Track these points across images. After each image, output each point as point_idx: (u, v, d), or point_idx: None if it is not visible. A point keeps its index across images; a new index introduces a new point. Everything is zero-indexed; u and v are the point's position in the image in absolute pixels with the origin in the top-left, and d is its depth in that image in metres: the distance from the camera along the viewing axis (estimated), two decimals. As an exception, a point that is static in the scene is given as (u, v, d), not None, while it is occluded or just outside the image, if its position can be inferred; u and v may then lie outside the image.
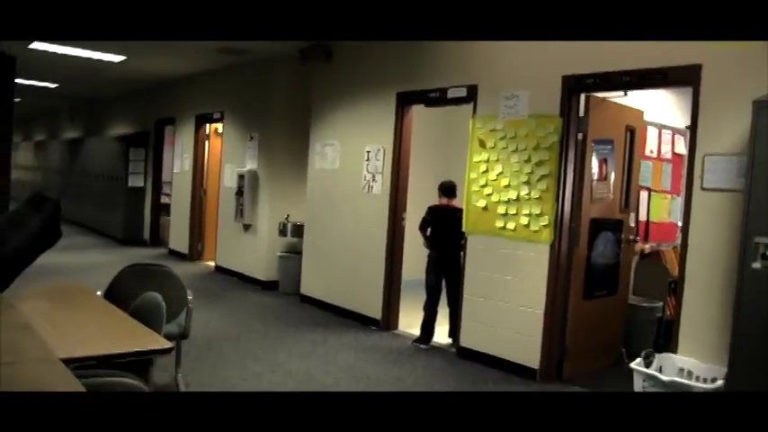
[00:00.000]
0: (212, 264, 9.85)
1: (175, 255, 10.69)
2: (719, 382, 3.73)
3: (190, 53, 8.64)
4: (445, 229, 5.92)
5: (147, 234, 12.25)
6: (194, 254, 10.39)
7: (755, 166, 3.51)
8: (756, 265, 3.48)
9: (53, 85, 12.59)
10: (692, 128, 4.28)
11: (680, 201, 6.43)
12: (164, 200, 12.23)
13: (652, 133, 6.63)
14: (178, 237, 10.87)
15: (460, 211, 5.74)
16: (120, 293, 3.98)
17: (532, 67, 5.20)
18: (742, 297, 3.57)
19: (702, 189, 4.16)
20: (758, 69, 3.87)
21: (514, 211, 5.23)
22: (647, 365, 4.12)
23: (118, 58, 9.15)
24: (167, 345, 2.88)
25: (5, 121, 5.42)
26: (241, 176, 8.77)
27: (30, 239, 0.85)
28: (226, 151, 9.59)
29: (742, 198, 3.64)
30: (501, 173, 5.34)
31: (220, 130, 10.03)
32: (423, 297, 6.06)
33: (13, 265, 0.84)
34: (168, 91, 11.41)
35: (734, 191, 3.93)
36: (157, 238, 12.04)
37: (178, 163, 11.07)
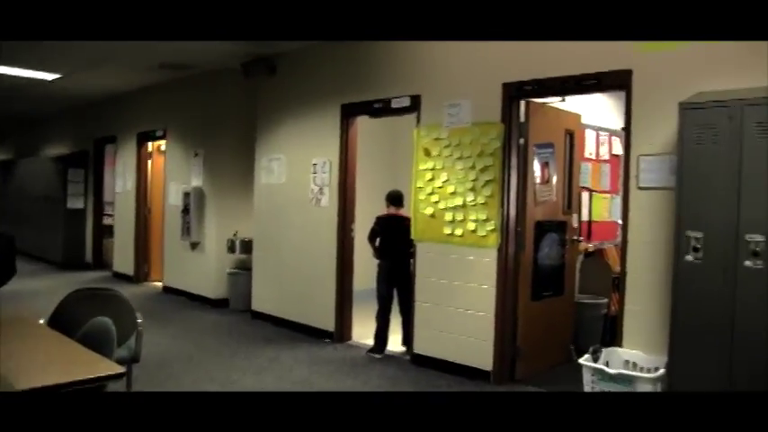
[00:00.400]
0: (159, 284, 9.68)
1: (120, 277, 10.46)
2: (661, 371, 3.89)
3: (129, 70, 8.51)
4: (394, 238, 5.98)
5: (89, 257, 11.95)
6: (140, 275, 10.19)
7: (684, 165, 3.69)
8: (689, 257, 3.65)
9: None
10: (627, 130, 4.46)
11: (619, 200, 6.64)
12: (106, 221, 11.94)
13: (590, 136, 6.85)
14: (123, 258, 10.64)
15: (408, 219, 5.81)
16: (67, 320, 3.88)
17: (474, 75, 5.33)
18: (678, 288, 3.74)
19: (638, 188, 4.33)
20: (684, 73, 4.08)
21: (461, 218, 5.33)
22: (595, 360, 4.25)
23: (50, 77, 8.92)
24: (119, 370, 2.84)
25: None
26: (186, 194, 8.66)
27: None
28: (170, 169, 9.46)
29: (674, 195, 3.81)
30: (447, 180, 5.44)
31: (163, 148, 9.88)
32: (375, 307, 6.10)
33: None
34: (108, 109, 11.19)
35: (667, 188, 4.11)
36: (101, 261, 11.75)
37: (120, 182, 10.85)
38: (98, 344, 3.23)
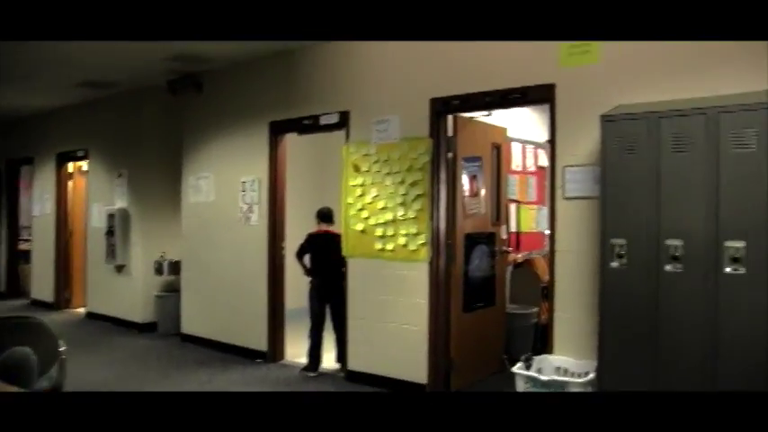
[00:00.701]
0: (82, 310, 9.31)
1: (39, 305, 9.99)
2: (591, 375, 3.99)
3: (47, 88, 8.20)
4: (325, 255, 5.94)
5: (2, 285, 11.36)
6: (61, 302, 9.77)
7: (606, 175, 3.82)
8: (614, 264, 3.78)
9: None
10: (552, 142, 4.58)
11: (545, 210, 6.82)
12: (22, 246, 11.40)
13: (516, 148, 7.02)
14: (41, 285, 10.18)
15: (339, 236, 5.78)
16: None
17: (401, 91, 5.37)
18: (605, 294, 3.85)
19: (564, 198, 4.45)
20: (605, 86, 4.23)
21: (392, 233, 5.35)
22: (528, 368, 4.33)
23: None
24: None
25: None
26: (111, 215, 8.39)
27: None
28: (92, 190, 9.14)
29: (598, 204, 3.93)
30: (377, 196, 5.45)
31: (85, 168, 9.55)
32: (308, 325, 6.03)
33: None
34: (23, 129, 10.73)
35: (592, 198, 4.24)
36: (17, 289, 11.17)
37: (38, 205, 10.41)
38: (17, 376, 3.06)
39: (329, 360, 6.07)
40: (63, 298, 9.77)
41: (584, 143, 4.33)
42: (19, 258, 11.29)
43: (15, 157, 11.13)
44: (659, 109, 3.69)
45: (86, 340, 7.47)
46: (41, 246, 10.27)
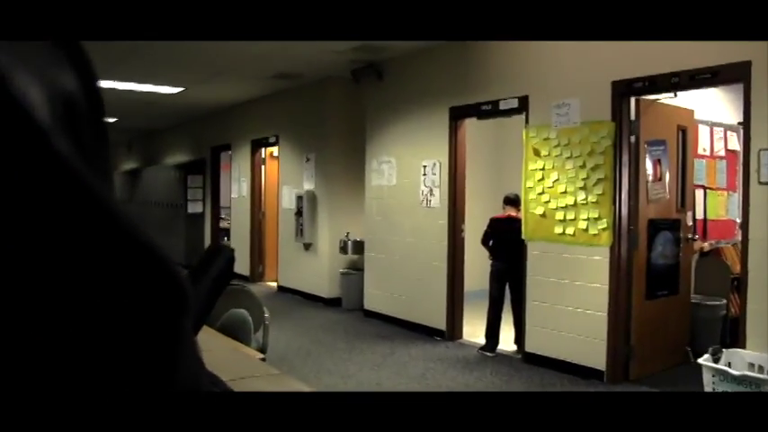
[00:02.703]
0: (274, 284, 10.16)
1: (237, 277, 11.02)
2: (790, 374, 3.79)
3: (245, 80, 9.01)
4: (507, 238, 6.04)
5: (208, 258, 12.61)
6: (256, 275, 10.73)
7: (812, 160, 3.59)
8: (820, 256, 3.55)
9: (112, 120, 13.17)
10: (746, 124, 4.36)
11: (737, 197, 6.44)
12: (223, 224, 12.64)
13: (704, 131, 6.67)
14: (239, 259, 11.21)
15: (520, 221, 5.86)
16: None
17: (581, 74, 5.34)
18: (807, 288, 3.63)
19: (760, 183, 4.23)
20: (809, 64, 3.94)
21: (573, 217, 5.35)
22: (716, 361, 4.18)
23: (176, 90, 9.58)
24: (260, 356, 3.11)
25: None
26: (299, 197, 9.07)
27: (208, 293, 0.99)
28: (283, 174, 9.91)
29: (801, 191, 3.71)
30: (557, 180, 5.47)
31: (276, 154, 10.37)
32: (485, 307, 6.19)
33: (199, 318, 0.99)
34: (223, 118, 11.84)
35: (792, 184, 4.00)
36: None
37: (236, 188, 11.46)
38: (236, 333, 3.52)
39: (506, 341, 6.20)
40: (257, 272, 10.74)
41: (784, 125, 4.08)
42: (220, 235, 12.54)
43: (216, 145, 12.29)
44: None
45: (279, 310, 8.16)
46: (239, 224, 11.31)
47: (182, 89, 9.50)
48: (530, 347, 5.76)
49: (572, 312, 5.39)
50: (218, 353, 2.52)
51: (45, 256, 0.35)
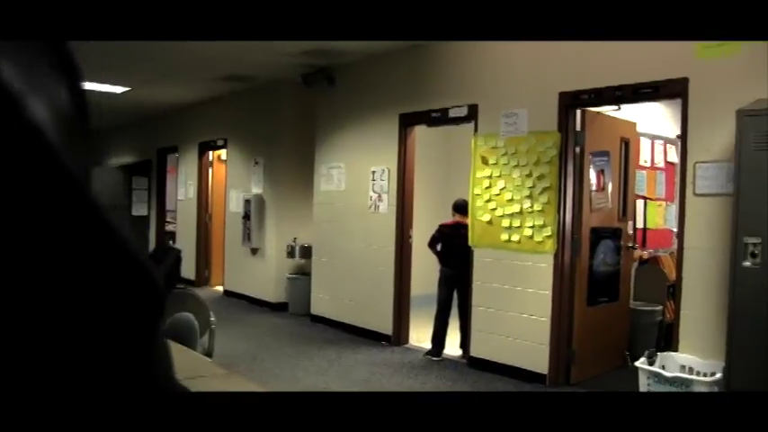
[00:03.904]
0: (220, 288, 10.04)
1: (183, 281, 10.85)
2: (718, 375, 3.96)
3: (194, 82, 8.90)
4: (455, 244, 6.12)
5: (152, 262, 12.39)
6: (201, 279, 10.58)
7: (741, 171, 3.77)
8: (747, 263, 3.73)
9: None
10: (683, 137, 4.54)
11: (674, 207, 6.68)
12: (168, 227, 12.43)
13: (645, 144, 6.92)
14: (184, 263, 11.02)
15: (467, 227, 5.95)
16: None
17: (530, 85, 5.47)
18: (735, 294, 3.81)
19: (695, 195, 4.41)
20: (741, 80, 4.14)
21: (518, 224, 5.47)
22: (651, 364, 4.34)
23: (120, 90, 9.39)
24: (207, 360, 3.08)
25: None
26: (247, 201, 9.00)
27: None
28: (230, 177, 9.82)
29: (731, 202, 3.88)
30: (504, 188, 5.58)
31: (224, 157, 10.27)
32: (432, 311, 6.25)
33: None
34: (170, 120, 11.66)
35: (724, 195, 4.18)
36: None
37: (182, 190, 11.30)
38: (182, 338, 3.48)
39: (452, 346, 6.28)
40: (203, 276, 10.60)
41: (717, 139, 4.27)
42: (166, 238, 12.32)
43: (163, 146, 12.10)
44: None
45: (225, 315, 8.07)
46: (185, 227, 11.14)
47: (127, 89, 9.32)
48: (475, 352, 5.85)
49: (516, 318, 5.50)
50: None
51: (45, 259, 0.37)
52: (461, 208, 6.23)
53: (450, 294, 6.20)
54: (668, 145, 7.26)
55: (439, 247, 6.26)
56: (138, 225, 12.49)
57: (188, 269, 10.82)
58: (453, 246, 6.14)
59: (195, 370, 2.28)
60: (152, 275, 0.44)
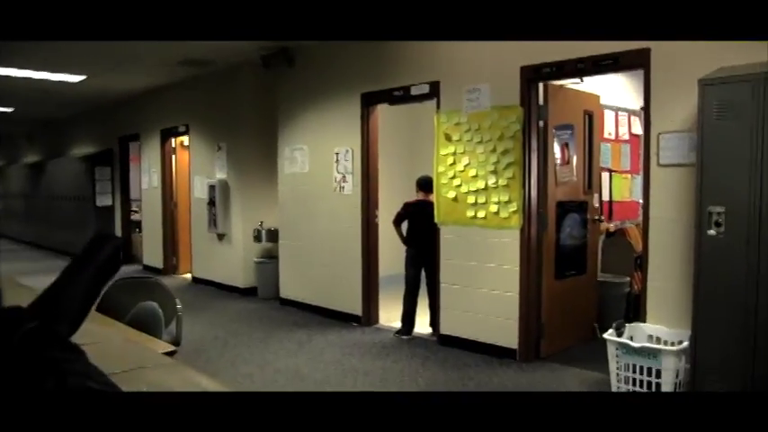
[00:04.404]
0: (189, 276, 9.91)
1: (150, 270, 10.70)
2: (685, 344, 3.98)
3: (151, 68, 8.68)
4: (421, 223, 6.09)
5: (119, 252, 12.18)
6: (169, 267, 10.42)
7: (704, 141, 3.76)
8: (711, 231, 3.74)
9: (8, 110, 12.47)
10: (646, 108, 4.54)
11: (639, 179, 6.71)
12: (134, 217, 12.21)
13: (609, 116, 6.92)
14: (151, 252, 10.89)
15: (432, 204, 5.92)
16: (112, 307, 4.06)
17: (492, 60, 5.41)
18: (700, 263, 3.82)
19: (659, 165, 4.41)
20: (703, 50, 4.11)
21: (484, 200, 5.44)
22: (619, 335, 4.35)
23: (77, 78, 9.14)
24: (171, 348, 3.00)
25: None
26: (212, 187, 8.85)
27: (93, 280, 0.96)
28: (194, 163, 9.65)
29: (695, 171, 3.88)
30: (468, 164, 5.54)
31: (186, 143, 10.08)
32: (401, 291, 6.23)
33: (83, 305, 0.96)
34: (130, 107, 11.40)
35: (687, 165, 4.19)
36: (130, 255, 11.99)
37: (146, 179, 11.08)
38: (147, 326, 3.39)
39: (422, 324, 6.26)
40: (171, 264, 10.43)
41: (680, 109, 4.27)
42: (131, 227, 12.11)
43: (124, 135, 11.84)
44: (765, 69, 3.58)
45: (194, 302, 7.97)
46: (150, 216, 10.95)
47: (83, 77, 9.07)
48: (445, 329, 5.84)
49: (485, 294, 5.49)
50: (111, 346, 2.42)
51: None
52: (425, 185, 6.19)
53: (418, 273, 6.18)
54: (632, 117, 7.28)
55: (405, 226, 6.22)
56: (102, 216, 12.25)
57: (155, 258, 10.67)
58: (418, 224, 6.11)
59: (140, 361, 2.20)
60: None
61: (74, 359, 0.81)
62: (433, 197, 6.03)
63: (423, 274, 6.21)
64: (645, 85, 4.53)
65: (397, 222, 6.24)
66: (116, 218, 12.33)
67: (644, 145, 4.61)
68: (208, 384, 1.94)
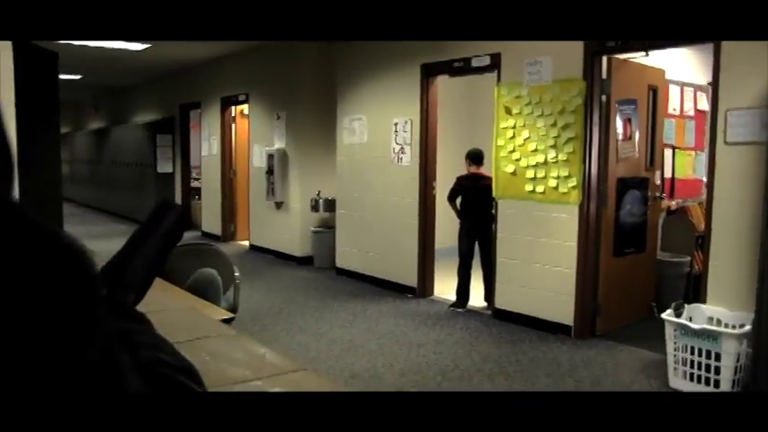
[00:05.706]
0: (246, 243, 10.13)
1: (209, 236, 10.96)
2: (747, 327, 3.90)
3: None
4: (474, 196, 6.08)
5: (179, 218, 12.52)
6: (227, 234, 10.67)
7: (777, 118, 3.64)
8: (781, 213, 3.63)
9: (77, 77, 12.84)
10: (714, 84, 4.40)
11: (704, 157, 6.53)
12: (193, 184, 12.50)
13: (674, 91, 6.73)
14: (210, 219, 11.15)
15: (489, 178, 5.90)
16: (172, 273, 4.20)
17: (554, 33, 5.30)
18: (767, 246, 3.72)
19: (726, 143, 4.29)
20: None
21: (543, 175, 5.39)
22: (678, 316, 4.29)
23: (141, 47, 9.34)
24: (228, 315, 3.10)
25: (52, 116, 5.62)
26: (270, 156, 8.99)
27: (158, 249, 0.99)
28: (253, 132, 9.80)
29: (765, 150, 3.77)
30: (528, 138, 5.49)
31: (246, 112, 10.23)
32: (456, 264, 6.25)
33: (148, 274, 1.00)
34: (192, 75, 11.61)
35: (757, 143, 4.06)
36: (189, 222, 12.29)
37: (206, 146, 11.31)
38: (205, 293, 3.51)
39: (477, 297, 6.29)
40: (229, 231, 10.68)
41: (750, 84, 4.13)
42: (191, 194, 12.40)
43: (185, 103, 12.08)
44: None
45: (251, 270, 8.16)
46: (209, 183, 11.20)
47: (147, 45, 9.26)
48: (499, 304, 5.85)
49: (541, 269, 5.47)
50: (175, 314, 2.52)
51: None
52: (477, 157, 6.16)
53: (472, 246, 6.18)
54: (699, 92, 7.06)
55: (459, 201, 6.22)
56: (163, 182, 12.58)
57: (214, 225, 10.93)
58: (472, 196, 6.10)
59: (202, 330, 2.28)
60: (76, 255, 0.48)
61: (143, 330, 0.84)
62: (484, 170, 6.00)
63: (477, 247, 6.21)
64: (714, 59, 4.39)
65: (451, 198, 6.24)
66: (176, 184, 12.64)
67: (710, 122, 4.48)
68: (271, 357, 2.00)
